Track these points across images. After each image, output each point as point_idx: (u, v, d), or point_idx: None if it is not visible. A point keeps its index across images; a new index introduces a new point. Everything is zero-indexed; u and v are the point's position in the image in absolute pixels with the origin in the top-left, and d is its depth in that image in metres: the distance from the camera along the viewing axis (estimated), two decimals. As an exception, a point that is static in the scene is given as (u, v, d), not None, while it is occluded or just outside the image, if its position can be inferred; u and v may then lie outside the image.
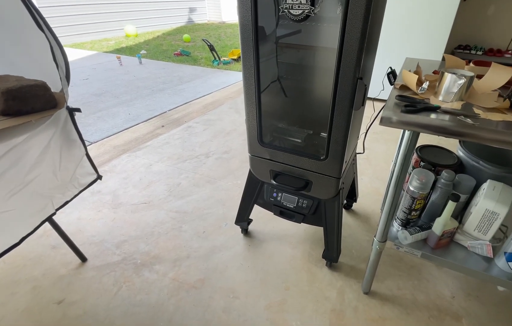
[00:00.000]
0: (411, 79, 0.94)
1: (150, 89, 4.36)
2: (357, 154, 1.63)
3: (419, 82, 0.97)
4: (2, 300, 1.36)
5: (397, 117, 0.81)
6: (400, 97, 0.89)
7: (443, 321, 1.24)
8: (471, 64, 1.16)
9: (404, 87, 1.00)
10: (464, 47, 3.60)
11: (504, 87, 0.91)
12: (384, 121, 0.83)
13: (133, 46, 7.56)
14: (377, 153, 2.51)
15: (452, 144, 1.37)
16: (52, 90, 1.28)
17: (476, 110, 0.81)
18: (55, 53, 1.21)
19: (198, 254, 1.60)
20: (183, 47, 7.10)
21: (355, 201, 1.82)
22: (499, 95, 0.89)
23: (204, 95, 4.06)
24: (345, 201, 1.87)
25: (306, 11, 1.01)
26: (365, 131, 1.54)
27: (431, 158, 1.23)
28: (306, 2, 0.99)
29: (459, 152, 1.23)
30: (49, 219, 1.29)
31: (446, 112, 0.81)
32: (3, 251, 1.10)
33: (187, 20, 11.70)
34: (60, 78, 1.27)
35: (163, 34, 9.46)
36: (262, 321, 1.27)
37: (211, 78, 4.88)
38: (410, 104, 0.83)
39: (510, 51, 3.22)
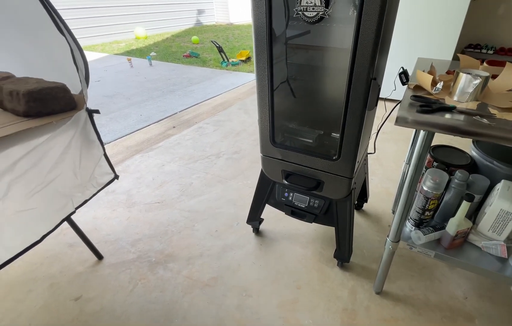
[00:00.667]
0: (426, 80, 0.95)
1: (160, 90, 4.43)
2: (368, 155, 1.63)
3: (434, 83, 0.98)
4: (20, 297, 1.41)
5: (413, 117, 0.82)
6: (415, 97, 0.90)
7: (456, 321, 1.23)
8: (485, 64, 1.15)
9: (418, 88, 1.00)
10: (475, 47, 3.55)
11: (520, 87, 0.91)
12: (400, 121, 0.84)
13: (143, 48, 7.69)
14: (387, 154, 2.49)
15: (465, 145, 1.37)
16: (72, 92, 1.33)
17: (492, 110, 0.82)
18: (75, 56, 1.26)
19: (211, 253, 1.63)
20: (192, 49, 7.18)
21: (366, 201, 1.82)
22: (516, 96, 0.89)
23: (213, 97, 4.10)
24: (356, 202, 1.87)
25: (321, 13, 1.03)
26: (377, 131, 1.54)
27: (444, 159, 1.23)
28: (321, 4, 1.01)
29: (472, 152, 1.22)
30: (69, 218, 1.34)
31: (461, 112, 0.82)
32: (25, 248, 1.15)
33: (195, 22, 11.82)
34: (80, 80, 1.32)
35: (172, 36, 9.58)
36: (275, 319, 1.29)
37: (220, 80, 4.93)
38: (425, 104, 0.84)
39: None
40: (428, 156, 1.28)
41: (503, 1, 3.07)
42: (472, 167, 1.23)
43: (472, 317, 1.25)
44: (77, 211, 1.74)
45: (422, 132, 0.90)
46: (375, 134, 1.56)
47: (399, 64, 1.42)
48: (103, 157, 1.45)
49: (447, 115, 0.81)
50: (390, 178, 2.17)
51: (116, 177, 1.52)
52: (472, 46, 3.56)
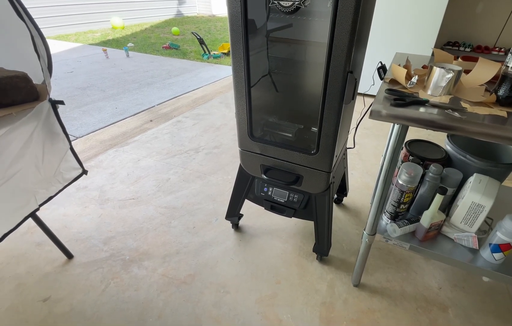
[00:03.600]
0: (400, 73, 0.95)
1: (137, 83, 4.26)
2: (347, 149, 1.64)
3: (408, 77, 0.98)
4: (-15, 299, 1.31)
5: (387, 111, 0.81)
6: (389, 91, 0.89)
7: (430, 311, 1.27)
8: (459, 59, 1.17)
9: (393, 82, 1.00)
10: (453, 44, 3.67)
11: (490, 82, 0.93)
12: (374, 115, 0.83)
13: (119, 38, 7.37)
14: (368, 149, 2.53)
15: (441, 140, 1.40)
16: (34, 82, 1.23)
17: (464, 104, 0.83)
18: (37, 43, 1.16)
19: (188, 250, 1.58)
20: (172, 40, 6.97)
21: (346, 195, 1.84)
22: (486, 90, 0.91)
23: (193, 90, 4.00)
24: (335, 196, 1.89)
25: (296, 2, 1.00)
26: (356, 126, 1.55)
27: (420, 153, 1.25)
28: (297, -7, 0.98)
29: (447, 147, 1.25)
30: (33, 215, 1.24)
31: (434, 106, 0.82)
32: (-17, 248, 1.06)
33: (176, 12, 11.48)
34: (42, 69, 1.22)
35: (151, 26, 9.25)
36: (253, 315, 1.27)
37: (200, 72, 4.82)
38: (399, 98, 0.83)
39: (497, 48, 3.31)
40: (404, 150, 1.29)
41: (481, 0, 3.18)
42: (447, 161, 1.25)
43: (446, 307, 1.29)
44: (45, 208, 1.64)
45: (396, 126, 0.90)
46: (354, 129, 1.57)
47: (379, 59, 1.42)
48: (70, 151, 1.35)
49: (421, 109, 0.81)
50: (369, 172, 2.21)
51: (85, 172, 1.43)
52: (451, 44, 3.68)
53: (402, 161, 1.29)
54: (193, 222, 1.76)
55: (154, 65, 5.17)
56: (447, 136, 1.26)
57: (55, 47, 6.23)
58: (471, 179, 1.05)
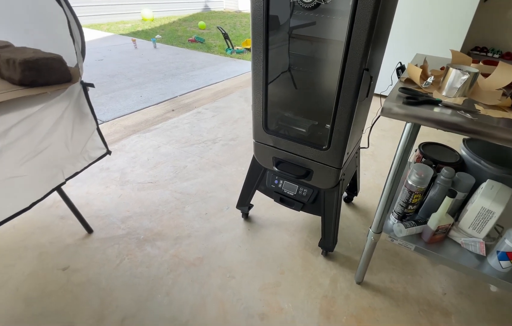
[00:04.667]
0: (415, 73, 0.95)
1: (162, 73, 4.42)
2: (361, 149, 1.64)
3: (425, 76, 0.98)
4: (10, 263, 1.44)
5: (398, 109, 0.82)
6: (403, 89, 0.90)
7: (432, 315, 1.25)
8: (481, 63, 1.15)
9: (409, 81, 1.00)
10: (481, 49, 3.49)
11: (509, 86, 0.90)
12: (385, 112, 0.84)
13: (148, 30, 7.63)
14: (383, 151, 2.49)
15: (457, 144, 1.37)
16: (68, 64, 1.34)
17: (478, 107, 0.82)
18: (72, 28, 1.25)
19: (199, 234, 1.65)
20: (198, 34, 7.12)
21: (356, 194, 1.83)
22: (503, 94, 0.89)
23: (215, 83, 4.09)
24: (346, 194, 1.89)
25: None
26: (370, 126, 1.54)
27: (433, 156, 1.23)
28: (316, -10, 1.00)
29: (462, 151, 1.23)
30: (59, 188, 1.36)
31: (447, 106, 0.82)
32: (13, 214, 1.17)
33: (203, 7, 11.69)
34: (76, 53, 1.32)
35: (179, 20, 9.49)
36: (255, 301, 1.31)
37: (223, 66, 4.90)
38: (411, 97, 0.84)
39: None
40: (418, 152, 1.28)
41: (513, 5, 3.03)
42: (461, 165, 1.23)
43: (449, 313, 1.27)
44: (70, 185, 1.76)
45: (408, 125, 0.90)
46: (369, 128, 1.56)
47: (405, 61, 1.41)
48: (96, 132, 1.46)
49: (432, 109, 0.81)
50: (383, 174, 2.18)
51: (109, 152, 1.53)
52: (478, 49, 3.50)
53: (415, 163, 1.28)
54: (206, 209, 1.83)
55: (179, 57, 5.32)
56: (463, 141, 1.23)
57: (88, 35, 6.56)
58: (483, 185, 1.03)
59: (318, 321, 1.24)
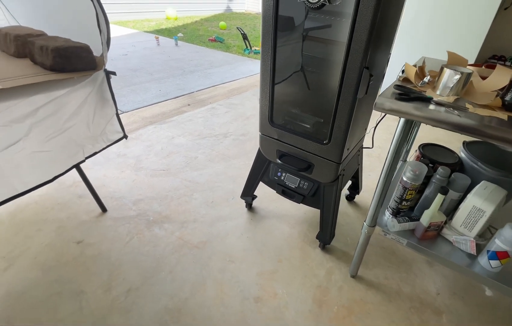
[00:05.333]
0: (411, 71, 0.99)
1: (182, 70, 4.58)
2: (367, 150, 1.66)
3: (422, 76, 1.01)
4: (30, 234, 1.58)
5: (389, 103, 0.87)
6: (397, 86, 0.94)
7: (423, 313, 1.27)
8: (483, 67, 1.16)
9: (406, 80, 1.04)
10: (499, 58, 3.38)
11: (504, 88, 0.93)
12: (377, 106, 0.89)
13: (171, 28, 7.90)
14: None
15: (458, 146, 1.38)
16: (94, 53, 1.47)
17: (468, 105, 0.85)
18: (100, 20, 1.38)
19: (204, 220, 1.74)
20: (218, 34, 7.29)
21: (358, 193, 1.86)
22: (497, 95, 0.91)
23: (230, 81, 4.20)
24: (348, 192, 1.92)
25: (322, 0, 1.08)
26: (375, 126, 1.57)
27: (433, 156, 1.26)
28: (322, -9, 1.07)
29: (461, 153, 1.24)
30: (78, 166, 1.48)
31: (437, 103, 0.85)
32: (38, 184, 1.30)
33: (225, 8, 11.92)
34: (102, 43, 1.44)
35: (201, 19, 9.74)
36: (252, 285, 1.38)
37: (240, 66, 5.01)
38: (404, 93, 0.88)
39: None
40: (417, 152, 1.31)
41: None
42: (459, 167, 1.25)
43: (440, 312, 1.28)
44: (89, 168, 1.90)
45: (401, 121, 0.94)
46: (373, 128, 1.59)
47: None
48: (115, 117, 1.58)
49: (423, 105, 0.85)
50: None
51: (125, 136, 1.65)
52: (496, 57, 3.39)
53: (414, 164, 1.30)
54: (212, 197, 1.92)
55: (198, 55, 5.49)
56: (463, 143, 1.25)
57: (115, 31, 6.89)
58: (478, 185, 1.05)
59: (310, 308, 1.29)
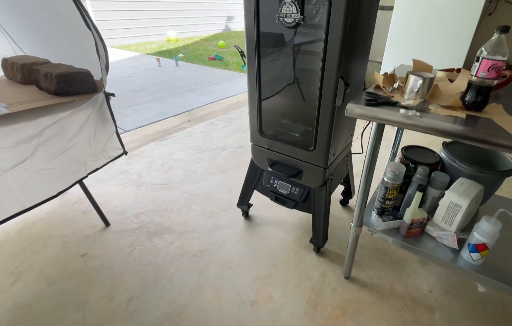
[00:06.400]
0: (379, 79, 1.07)
1: (182, 88, 4.74)
2: (358, 154, 1.71)
3: (393, 82, 1.09)
4: (37, 250, 1.66)
5: (358, 109, 0.95)
6: (367, 93, 1.02)
7: (416, 311, 1.30)
8: (455, 71, 1.24)
9: (378, 87, 1.12)
10: None
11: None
12: (348, 112, 0.97)
13: (172, 49, 8.17)
14: (384, 158, 2.54)
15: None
16: (94, 78, 1.59)
17: (431, 107, 0.92)
18: (98, 47, 1.50)
19: (202, 229, 1.81)
20: (217, 52, 7.52)
21: (351, 197, 1.92)
22: (460, 97, 0.98)
23: (229, 97, 4.34)
24: (341, 197, 1.97)
25: (297, 19, 1.18)
26: (361, 132, 1.64)
27: (414, 157, 1.32)
28: (297, 12, 1.17)
29: (441, 153, 1.30)
30: (81, 181, 1.58)
31: (402, 106, 0.93)
32: (43, 200, 1.39)
33: (224, 27, 12.29)
34: (101, 68, 1.56)
35: (201, 39, 10.05)
36: (248, 290, 1.43)
37: (238, 82, 5.17)
38: (373, 99, 0.96)
39: None
40: (401, 155, 1.37)
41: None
42: (440, 166, 1.30)
43: (433, 309, 1.31)
44: (92, 185, 1.99)
45: (374, 125, 1.02)
46: (361, 134, 1.66)
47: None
48: (115, 135, 1.68)
49: (389, 109, 0.92)
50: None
51: (125, 152, 1.75)
52: None
53: (398, 165, 1.36)
54: (210, 208, 1.99)
55: (198, 74, 5.67)
56: (442, 144, 1.31)
57: (118, 55, 7.16)
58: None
59: (305, 310, 1.33)
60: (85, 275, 1.53)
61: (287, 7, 1.16)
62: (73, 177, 1.50)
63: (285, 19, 1.21)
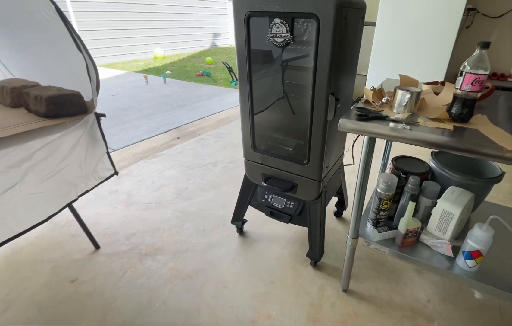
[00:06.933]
0: (368, 94, 1.11)
1: (170, 105, 4.74)
2: (350, 166, 1.74)
3: (381, 97, 1.13)
4: (26, 275, 1.60)
5: (350, 124, 0.97)
6: (358, 108, 1.05)
7: (415, 321, 1.30)
8: (439, 84, 1.30)
9: (367, 102, 1.16)
10: None
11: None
12: (341, 127, 0.99)
13: (160, 67, 8.19)
14: (375, 169, 2.59)
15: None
16: (85, 99, 1.56)
17: (420, 120, 0.96)
18: (89, 69, 1.49)
19: (196, 249, 1.77)
20: (205, 69, 7.59)
21: (345, 209, 1.93)
22: (447, 109, 1.03)
23: (218, 112, 4.36)
24: (335, 209, 1.99)
25: (287, 39, 1.22)
26: (352, 144, 1.68)
27: (405, 167, 1.35)
28: (287, 32, 1.20)
29: (431, 163, 1.34)
30: (71, 204, 1.53)
31: (392, 121, 0.96)
32: (33, 225, 1.34)
33: (211, 44, 12.47)
34: (92, 89, 1.55)
35: (188, 56, 10.14)
36: (246, 308, 1.40)
37: (227, 97, 5.21)
38: (364, 114, 0.99)
39: None
40: (391, 165, 1.40)
41: (495, 28, 3.21)
42: (430, 175, 1.34)
43: (432, 318, 1.32)
44: (81, 206, 1.94)
45: (366, 138, 1.04)
46: (351, 146, 1.69)
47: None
48: (106, 155, 1.65)
49: (379, 123, 0.95)
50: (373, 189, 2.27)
51: (116, 172, 1.71)
52: None
53: (390, 176, 1.39)
54: (204, 225, 1.96)
55: (186, 90, 5.69)
56: (431, 153, 1.35)
57: (105, 73, 7.12)
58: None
59: (304, 327, 1.31)
60: (76, 300, 1.47)
61: (277, 28, 1.20)
62: (64, 199, 1.45)
63: (275, 39, 1.25)
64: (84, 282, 1.57)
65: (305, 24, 1.21)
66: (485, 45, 0.84)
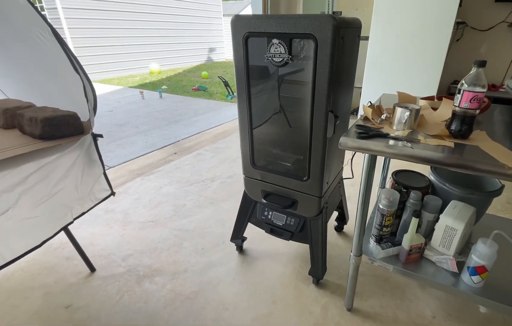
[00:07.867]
0: (368, 112, 1.11)
1: (167, 120, 4.73)
2: (349, 179, 1.74)
3: (380, 114, 1.14)
4: (17, 303, 1.53)
5: (351, 142, 0.97)
6: (357, 126, 1.05)
7: (421, 338, 1.28)
8: (436, 99, 1.31)
9: (366, 119, 1.16)
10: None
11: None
12: (342, 145, 0.99)
13: (155, 82, 8.23)
14: (375, 183, 2.59)
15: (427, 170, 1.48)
16: (81, 119, 1.54)
17: (420, 137, 0.96)
18: (86, 90, 1.48)
19: (195, 269, 1.73)
20: (201, 83, 7.65)
21: (346, 223, 1.92)
22: (446, 125, 1.03)
23: (215, 126, 4.36)
24: (336, 223, 1.97)
25: (285, 59, 1.23)
26: (351, 158, 1.68)
27: (405, 182, 1.35)
28: (285, 52, 1.21)
29: (431, 176, 1.34)
30: (66, 227, 1.49)
31: (393, 138, 0.96)
32: (26, 251, 1.29)
33: (206, 58, 12.61)
34: (89, 110, 1.53)
35: (184, 71, 10.22)
36: (248, 331, 1.36)
37: (223, 111, 5.23)
38: (364, 132, 0.99)
39: (504, 86, 3.33)
40: (392, 180, 1.40)
41: (484, 40, 3.31)
42: (431, 189, 1.34)
43: (438, 335, 1.29)
44: (76, 227, 1.88)
45: (367, 155, 1.04)
46: (350, 160, 1.69)
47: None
48: (103, 176, 1.62)
49: (380, 141, 0.95)
50: (373, 204, 2.26)
51: (113, 193, 1.68)
52: (457, 82, 3.74)
53: (390, 190, 1.39)
54: (202, 244, 1.93)
55: (183, 105, 5.71)
56: (430, 168, 1.35)
57: (100, 89, 7.12)
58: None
59: (309, 349, 1.27)
60: (71, 329, 1.41)
61: (275, 48, 1.21)
62: (59, 223, 1.41)
63: (274, 59, 1.25)
64: (79, 308, 1.51)
65: (301, 42, 1.23)
66: (482, 64, 0.85)
